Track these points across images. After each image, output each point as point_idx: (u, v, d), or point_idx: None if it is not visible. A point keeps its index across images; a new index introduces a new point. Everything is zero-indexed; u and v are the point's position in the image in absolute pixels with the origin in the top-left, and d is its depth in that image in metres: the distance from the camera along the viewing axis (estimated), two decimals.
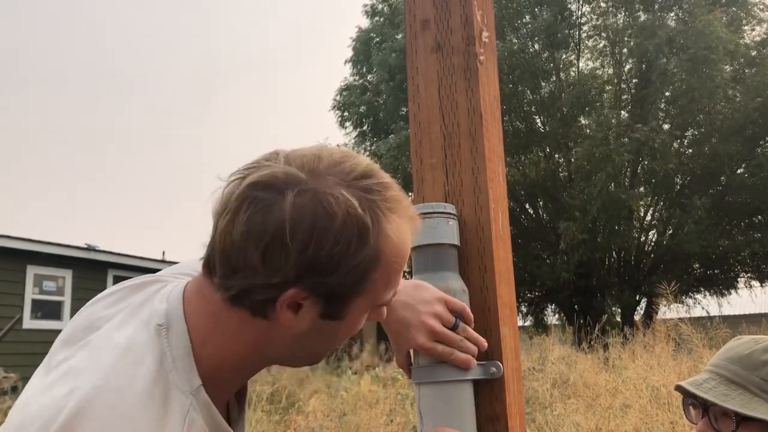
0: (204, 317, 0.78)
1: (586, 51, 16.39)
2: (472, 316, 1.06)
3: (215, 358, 0.77)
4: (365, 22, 18.62)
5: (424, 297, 1.02)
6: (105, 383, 0.71)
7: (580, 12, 15.95)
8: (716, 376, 1.25)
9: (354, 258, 0.71)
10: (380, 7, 18.33)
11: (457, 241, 1.11)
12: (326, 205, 0.70)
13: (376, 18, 18.25)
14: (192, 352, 0.77)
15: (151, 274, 0.91)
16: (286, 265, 0.70)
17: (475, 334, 1.05)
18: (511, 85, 14.62)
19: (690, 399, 1.28)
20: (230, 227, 0.71)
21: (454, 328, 1.02)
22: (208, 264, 0.75)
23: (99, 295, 0.88)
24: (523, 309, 17.41)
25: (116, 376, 0.72)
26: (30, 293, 12.18)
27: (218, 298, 0.75)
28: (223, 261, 0.72)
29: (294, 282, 0.71)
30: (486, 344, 1.05)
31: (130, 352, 0.75)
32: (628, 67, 15.68)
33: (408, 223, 0.77)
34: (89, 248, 13.38)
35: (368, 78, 18.20)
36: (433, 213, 1.09)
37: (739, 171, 14.81)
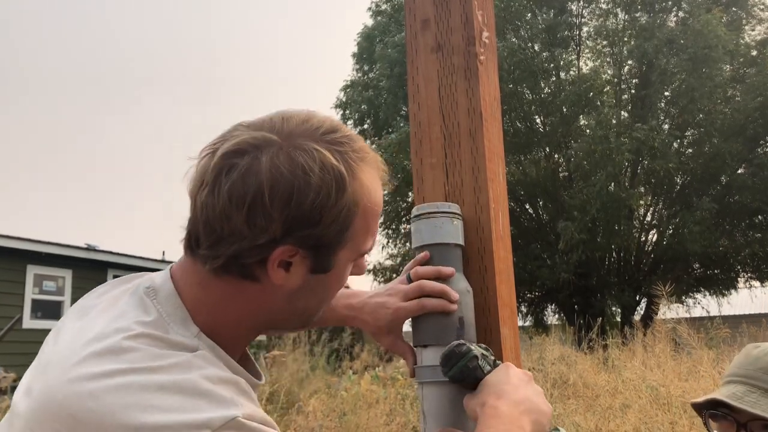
0: (192, 288, 0.79)
1: (586, 51, 16.39)
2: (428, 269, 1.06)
3: (209, 325, 0.78)
4: (370, 21, 18.70)
5: (386, 285, 1.11)
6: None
7: (580, 12, 15.95)
8: (754, 388, 1.18)
9: (335, 207, 0.74)
10: (383, 6, 18.36)
11: (461, 241, 1.10)
12: (302, 160, 0.72)
13: (380, 17, 18.28)
14: (185, 307, 0.77)
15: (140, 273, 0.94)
16: (271, 223, 0.72)
17: (434, 284, 1.05)
18: (511, 85, 14.60)
19: (722, 412, 1.20)
20: (211, 198, 0.72)
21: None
22: (190, 240, 0.77)
23: (90, 291, 0.90)
24: (523, 309, 17.39)
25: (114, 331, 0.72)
26: (30, 293, 12.16)
27: (203, 269, 0.77)
28: (208, 232, 0.74)
29: (281, 239, 0.73)
30: (455, 296, 1.04)
31: (122, 315, 0.76)
32: (627, 67, 15.67)
33: (377, 172, 0.81)
34: (89, 248, 13.36)
35: (370, 75, 18.19)
36: (438, 212, 1.08)
37: (739, 171, 14.80)
